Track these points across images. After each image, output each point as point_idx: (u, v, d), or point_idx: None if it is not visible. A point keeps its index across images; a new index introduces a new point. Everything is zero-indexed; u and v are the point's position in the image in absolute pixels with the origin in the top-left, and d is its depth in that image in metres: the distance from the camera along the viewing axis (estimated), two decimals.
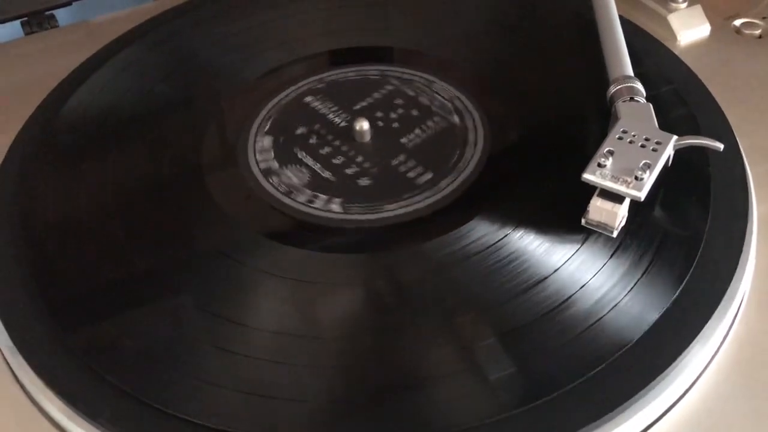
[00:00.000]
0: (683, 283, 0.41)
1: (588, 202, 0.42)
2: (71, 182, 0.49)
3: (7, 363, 0.41)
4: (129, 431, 0.37)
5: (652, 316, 0.39)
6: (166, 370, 0.39)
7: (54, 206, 0.48)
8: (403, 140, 0.51)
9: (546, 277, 0.41)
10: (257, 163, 0.50)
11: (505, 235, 0.43)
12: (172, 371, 0.39)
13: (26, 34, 0.66)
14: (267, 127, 0.52)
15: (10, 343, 0.41)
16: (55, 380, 0.39)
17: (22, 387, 0.40)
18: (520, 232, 0.44)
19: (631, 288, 0.40)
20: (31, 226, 0.46)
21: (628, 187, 0.41)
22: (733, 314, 0.41)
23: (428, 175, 0.48)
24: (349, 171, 0.49)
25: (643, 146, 0.43)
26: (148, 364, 0.39)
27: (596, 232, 0.43)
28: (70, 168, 0.50)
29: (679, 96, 0.51)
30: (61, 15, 0.68)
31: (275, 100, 0.54)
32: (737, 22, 0.61)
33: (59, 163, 0.51)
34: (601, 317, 0.39)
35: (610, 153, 0.43)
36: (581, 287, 0.40)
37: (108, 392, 0.38)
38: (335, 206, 0.47)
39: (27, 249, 0.45)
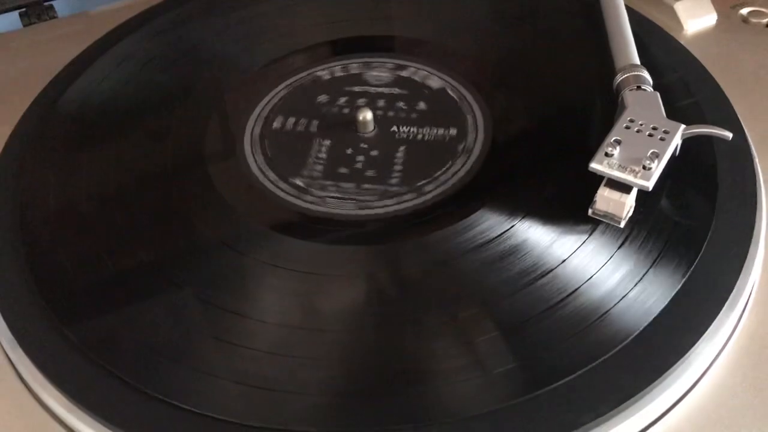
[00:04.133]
0: (692, 276, 0.40)
1: (595, 192, 0.42)
2: (71, 173, 0.49)
3: (7, 356, 0.41)
4: (130, 423, 0.37)
5: (660, 309, 0.39)
6: (167, 361, 0.38)
7: (53, 197, 0.47)
8: (407, 131, 0.50)
9: (552, 269, 0.41)
10: (260, 153, 0.49)
11: (511, 227, 0.43)
12: (173, 363, 0.38)
13: (25, 25, 0.66)
14: (268, 117, 0.52)
15: (10, 336, 0.41)
16: (56, 373, 0.39)
17: (23, 380, 0.40)
18: (526, 224, 0.43)
19: (639, 280, 0.40)
20: (31, 217, 0.46)
21: (635, 176, 0.41)
22: (742, 307, 0.41)
23: (432, 166, 0.48)
24: (352, 162, 0.48)
25: (650, 135, 0.43)
26: (149, 355, 0.39)
27: (603, 222, 0.42)
28: (70, 159, 0.50)
29: (686, 85, 0.51)
30: (60, 6, 0.67)
31: (277, 90, 0.54)
32: (744, 11, 0.60)
33: (58, 153, 0.50)
34: (609, 310, 0.39)
35: (618, 142, 0.42)
36: (588, 279, 0.40)
37: (109, 384, 0.38)
38: (339, 197, 0.46)
39: (26, 240, 0.45)
